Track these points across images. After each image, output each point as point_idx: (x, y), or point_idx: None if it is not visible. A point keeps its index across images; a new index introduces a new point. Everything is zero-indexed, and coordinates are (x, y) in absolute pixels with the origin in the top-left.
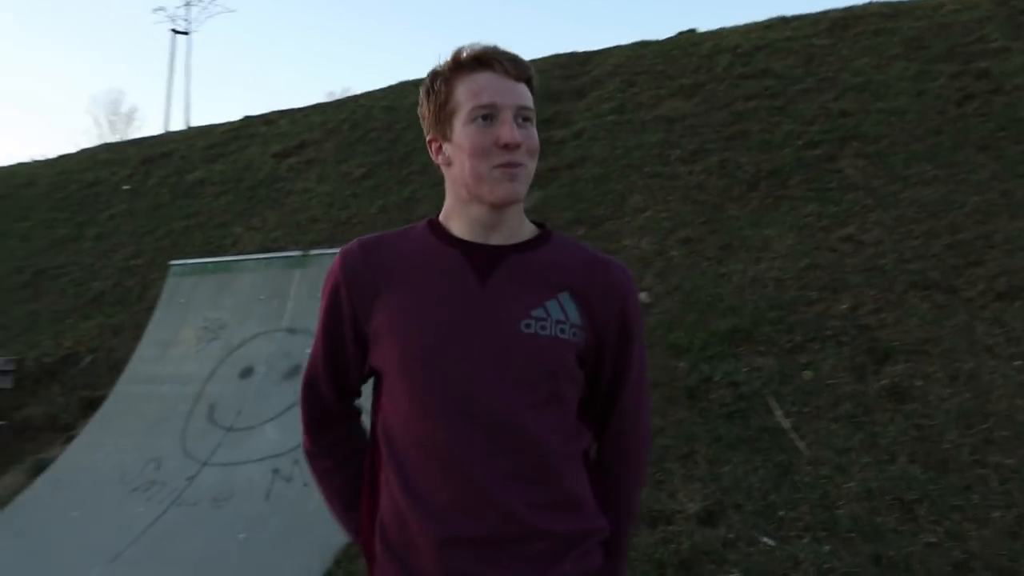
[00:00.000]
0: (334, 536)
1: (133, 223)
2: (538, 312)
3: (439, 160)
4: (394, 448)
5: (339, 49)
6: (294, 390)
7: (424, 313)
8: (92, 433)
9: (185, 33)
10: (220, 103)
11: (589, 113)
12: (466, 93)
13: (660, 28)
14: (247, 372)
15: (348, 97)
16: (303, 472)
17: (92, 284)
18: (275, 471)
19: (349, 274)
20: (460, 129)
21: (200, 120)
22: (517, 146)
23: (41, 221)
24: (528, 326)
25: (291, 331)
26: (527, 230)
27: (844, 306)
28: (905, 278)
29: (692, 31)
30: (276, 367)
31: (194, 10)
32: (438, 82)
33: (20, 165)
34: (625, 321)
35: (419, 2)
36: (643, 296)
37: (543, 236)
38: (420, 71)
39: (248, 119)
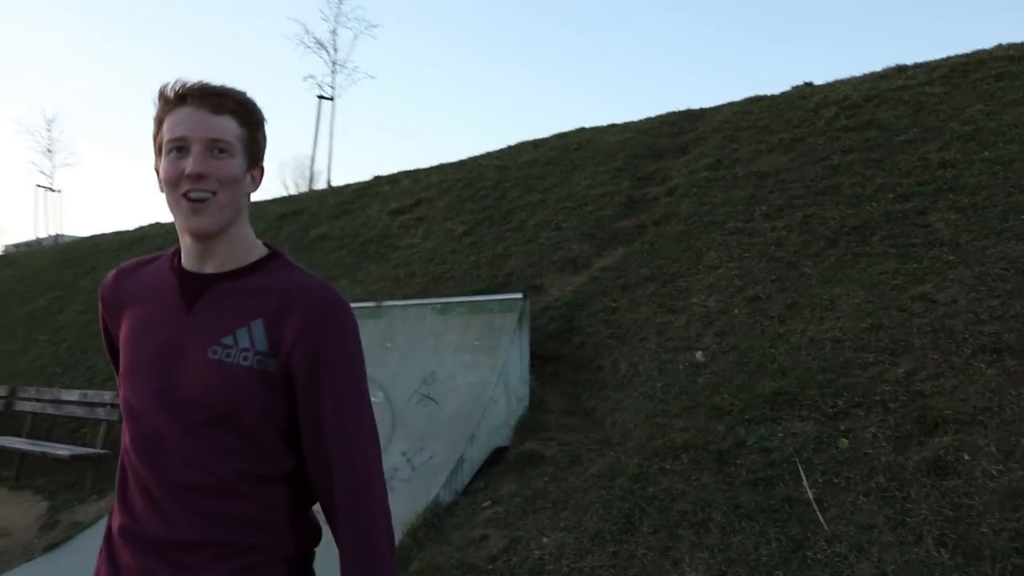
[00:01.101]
0: None
1: None
2: (227, 339)
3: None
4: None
5: (486, 107)
6: None
7: (142, 335)
8: None
9: (330, 99)
10: (368, 163)
11: (686, 170)
12: (166, 127)
13: (780, 82)
14: None
15: (469, 157)
16: None
17: None
18: (318, 513)
19: (104, 297)
20: (161, 161)
21: (349, 179)
22: (199, 176)
23: None
24: (215, 352)
25: None
26: (250, 256)
27: (900, 370)
28: (975, 341)
29: (808, 84)
30: None
31: (339, 77)
32: (156, 116)
33: None
34: (312, 347)
35: (538, 65)
36: (698, 355)
37: (261, 262)
38: (535, 132)
39: (377, 179)
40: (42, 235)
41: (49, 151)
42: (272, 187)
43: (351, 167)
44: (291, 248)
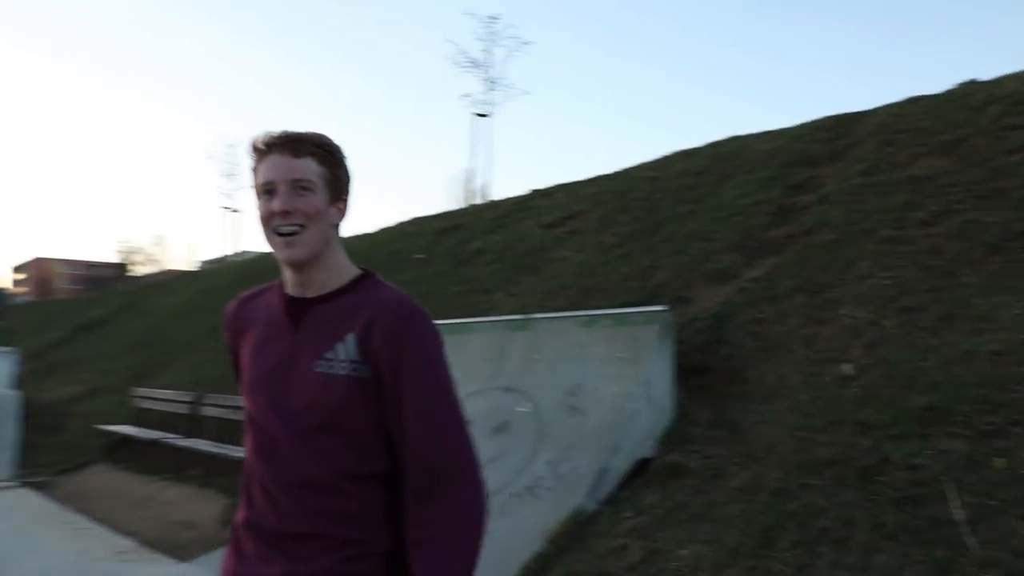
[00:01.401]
0: None
1: (417, 288)
2: (328, 354)
3: None
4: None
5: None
6: (501, 445)
7: (258, 354)
8: None
9: (486, 116)
10: (525, 177)
11: (839, 176)
12: (258, 174)
13: (942, 80)
14: None
15: (622, 169)
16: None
17: None
18: None
19: (228, 322)
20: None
21: (507, 193)
22: (286, 212)
23: None
24: (319, 366)
25: (506, 390)
26: (344, 278)
27: None
28: None
29: (972, 82)
30: (488, 422)
31: (494, 94)
32: (251, 167)
33: (349, 238)
34: (394, 353)
35: (694, 72)
36: (846, 368)
37: (353, 283)
38: (689, 141)
39: (533, 192)
40: (229, 252)
41: (230, 174)
42: (442, 202)
43: (510, 181)
44: (448, 262)
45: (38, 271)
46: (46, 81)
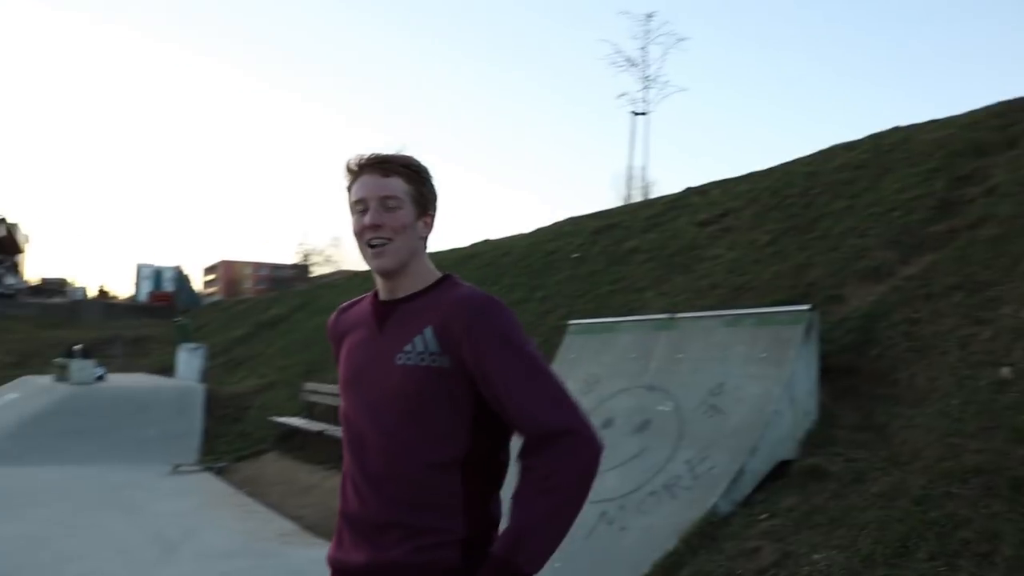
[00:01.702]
0: None
1: (572, 287)
2: (408, 347)
3: None
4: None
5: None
6: (641, 443)
7: (350, 355)
8: None
9: (643, 114)
10: (682, 174)
11: (1009, 166)
12: (352, 193)
13: None
14: (608, 423)
15: (778, 165)
16: (623, 517)
17: None
18: (603, 514)
19: (329, 331)
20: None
21: (664, 191)
22: (376, 227)
23: (507, 285)
24: (399, 359)
25: (650, 388)
26: (427, 282)
27: None
28: None
29: None
30: (630, 420)
31: (651, 92)
32: (346, 186)
33: (507, 238)
34: (473, 341)
35: (854, 62)
36: (1004, 372)
37: (433, 285)
38: (849, 134)
39: (688, 190)
40: None
41: None
42: (605, 201)
43: (669, 178)
44: (604, 261)
45: (226, 272)
46: (237, 90)
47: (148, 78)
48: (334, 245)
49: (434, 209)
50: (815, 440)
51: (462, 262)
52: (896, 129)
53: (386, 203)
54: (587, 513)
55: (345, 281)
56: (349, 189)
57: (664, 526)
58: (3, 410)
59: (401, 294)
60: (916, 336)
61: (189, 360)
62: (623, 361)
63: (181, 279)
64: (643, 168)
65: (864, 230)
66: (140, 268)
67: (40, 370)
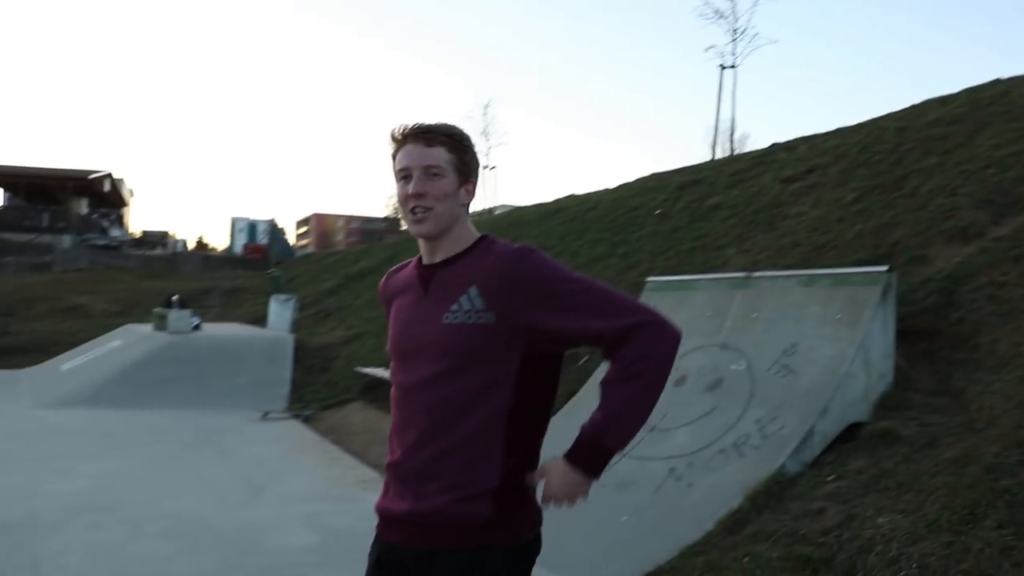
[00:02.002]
0: (692, 532)
1: (654, 243)
2: (454, 306)
3: None
4: None
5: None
6: (713, 401)
7: (399, 316)
8: (563, 416)
9: (732, 67)
10: (771, 129)
11: None
12: (396, 161)
13: None
14: (680, 381)
15: (869, 119)
16: (691, 474)
17: None
18: (671, 470)
19: (380, 294)
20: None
21: (751, 147)
22: (419, 195)
23: (590, 240)
24: (446, 317)
25: (724, 347)
26: (466, 244)
27: None
28: None
29: None
30: (703, 379)
31: (739, 45)
32: (391, 154)
33: (592, 193)
34: (516, 289)
35: (953, 11)
36: None
37: (472, 246)
38: (946, 87)
39: (774, 146)
40: (489, 205)
41: (485, 133)
42: (696, 156)
43: (759, 133)
44: (687, 217)
45: (319, 225)
46: (329, 42)
47: (242, 32)
48: None
49: (476, 176)
50: (889, 403)
51: (547, 217)
52: (996, 82)
53: (429, 171)
54: (656, 468)
55: None
56: (394, 157)
57: (731, 484)
58: (107, 357)
59: (441, 257)
60: (1001, 300)
61: (280, 311)
62: (698, 319)
63: (274, 232)
64: (731, 122)
65: (954, 188)
66: (235, 221)
67: (142, 319)
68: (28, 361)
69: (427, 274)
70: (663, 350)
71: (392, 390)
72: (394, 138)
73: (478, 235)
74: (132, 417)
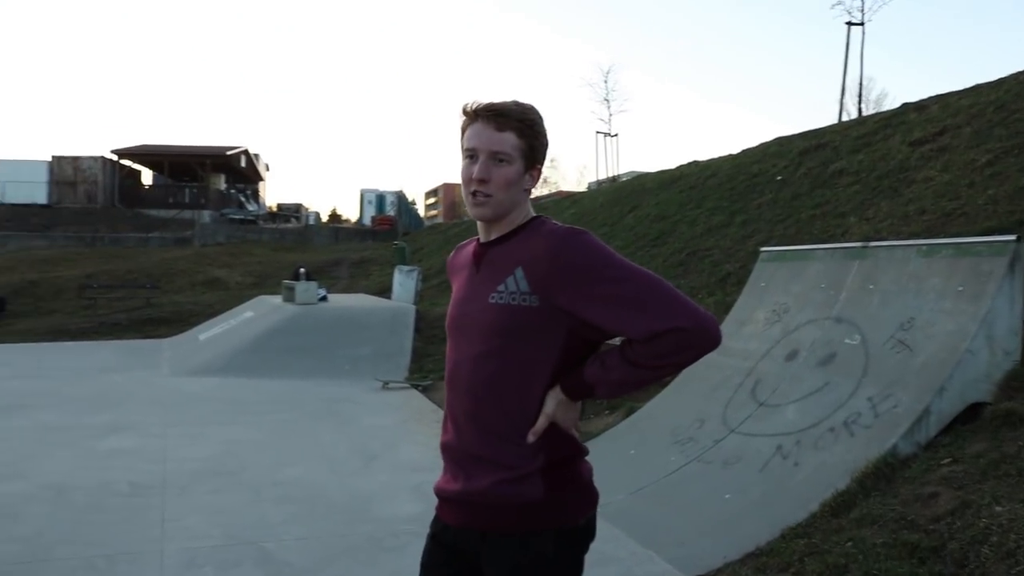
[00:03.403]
0: (796, 513)
1: (773, 211)
2: (500, 287)
3: None
4: None
5: None
6: (824, 377)
7: (456, 294)
8: (671, 391)
9: (860, 24)
10: (905, 89)
11: None
12: (464, 137)
13: None
14: (792, 355)
15: (1011, 74)
16: (798, 453)
17: (724, 266)
18: (778, 448)
19: (448, 266)
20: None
21: (881, 107)
22: (482, 181)
23: (708, 208)
24: (493, 297)
25: (838, 320)
26: (518, 223)
27: None
28: None
29: None
30: (815, 353)
31: (867, 1)
32: (460, 127)
33: (714, 159)
34: (559, 277)
35: None
36: None
37: (523, 226)
38: None
39: (904, 106)
40: (613, 173)
41: (606, 100)
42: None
43: (894, 93)
44: (808, 184)
45: (447, 196)
46: (454, 10)
47: (365, 5)
48: (552, 166)
49: (543, 159)
50: (1014, 383)
51: (666, 185)
52: None
53: (496, 157)
54: (762, 446)
55: (553, 204)
56: (462, 131)
57: (838, 464)
58: (240, 327)
59: (495, 236)
60: None
61: (404, 281)
62: (813, 291)
63: (403, 203)
64: (860, 82)
65: None
66: (364, 193)
67: (273, 290)
68: (170, 331)
69: (480, 252)
70: (692, 357)
71: (446, 368)
72: (465, 112)
73: (532, 215)
74: (260, 385)
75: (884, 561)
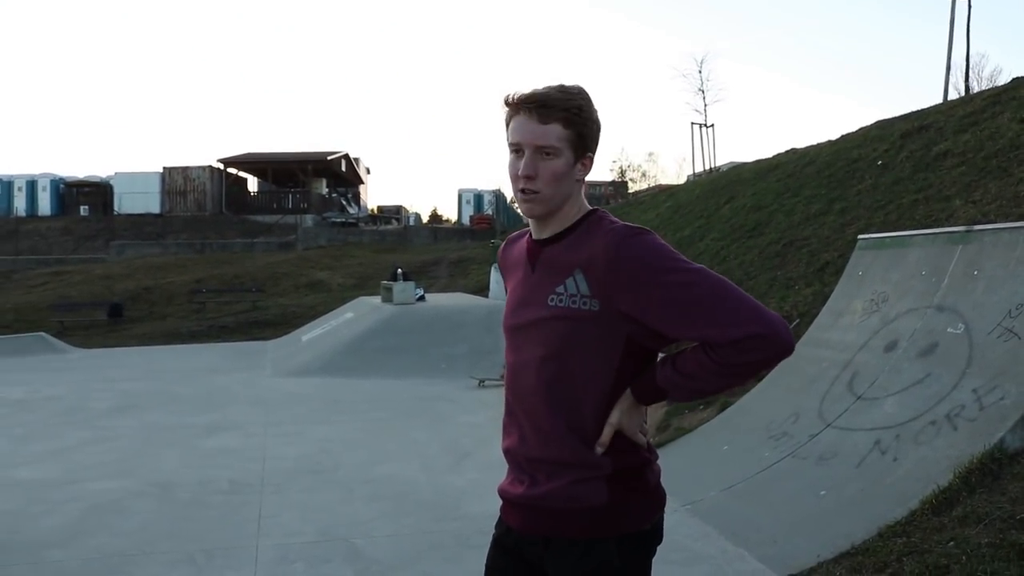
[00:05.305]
0: (894, 511)
1: (873, 197)
2: (559, 288)
3: None
4: None
5: None
6: (925, 368)
7: (511, 295)
8: (766, 385)
9: None
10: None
11: None
12: (509, 131)
13: None
14: (891, 346)
15: None
16: (897, 447)
17: (822, 255)
18: (876, 442)
19: (499, 262)
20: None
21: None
22: (528, 177)
23: (805, 197)
24: (551, 300)
25: (940, 309)
26: (573, 220)
27: None
28: None
29: None
30: (916, 343)
31: None
32: (504, 119)
33: (812, 146)
34: (622, 281)
35: None
36: None
37: (578, 223)
38: None
39: (1015, 81)
40: (711, 165)
41: (701, 91)
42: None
43: (1010, 68)
44: (910, 167)
45: None
46: (537, 5)
47: (456, 4)
48: (651, 160)
49: (595, 145)
50: None
51: (763, 175)
52: None
53: (542, 151)
54: (860, 441)
55: (651, 198)
56: (507, 124)
57: (940, 459)
58: (340, 328)
59: (549, 233)
60: None
61: (500, 280)
62: (913, 278)
63: (500, 201)
64: (966, 60)
65: None
66: (461, 193)
67: (374, 291)
68: (275, 333)
69: (535, 251)
70: (766, 363)
71: (506, 369)
72: (508, 104)
73: (588, 209)
74: (357, 385)
75: (990, 563)
